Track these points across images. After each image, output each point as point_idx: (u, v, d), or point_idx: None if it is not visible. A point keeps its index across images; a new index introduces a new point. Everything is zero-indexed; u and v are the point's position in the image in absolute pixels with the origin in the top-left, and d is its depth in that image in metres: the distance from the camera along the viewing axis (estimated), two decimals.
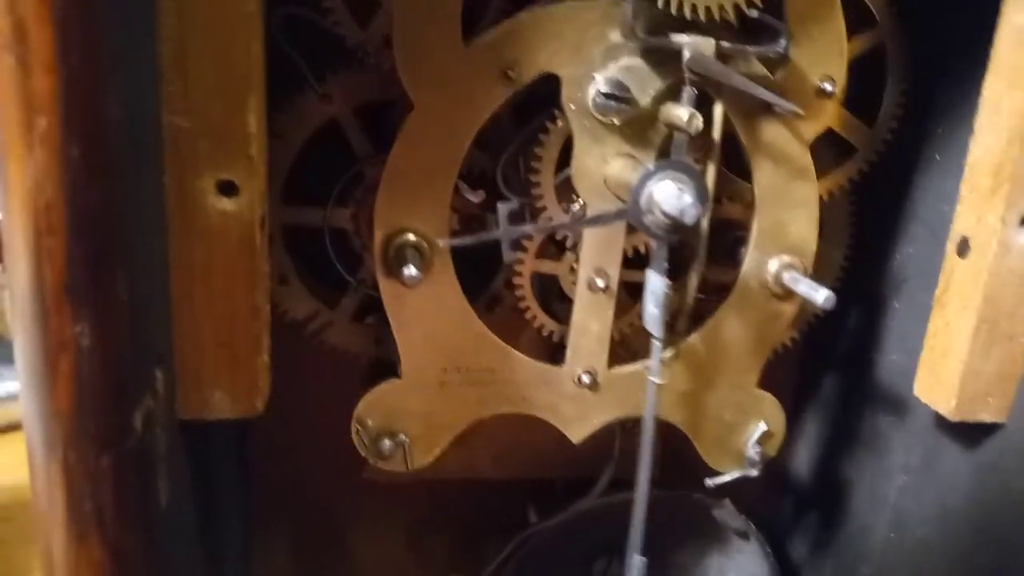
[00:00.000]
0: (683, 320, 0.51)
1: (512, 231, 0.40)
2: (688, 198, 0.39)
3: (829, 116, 0.50)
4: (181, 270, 0.38)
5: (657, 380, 0.47)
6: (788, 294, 0.50)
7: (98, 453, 0.32)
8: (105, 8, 0.30)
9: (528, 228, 0.41)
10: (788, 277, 0.49)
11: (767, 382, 0.56)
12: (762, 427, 0.53)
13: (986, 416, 0.50)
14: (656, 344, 0.47)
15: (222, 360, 0.40)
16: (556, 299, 0.54)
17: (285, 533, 0.63)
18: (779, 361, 0.62)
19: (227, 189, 0.38)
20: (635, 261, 0.51)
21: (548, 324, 0.52)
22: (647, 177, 0.41)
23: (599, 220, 0.44)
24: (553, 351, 0.54)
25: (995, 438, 0.51)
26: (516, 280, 0.51)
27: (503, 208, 0.40)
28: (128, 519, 0.34)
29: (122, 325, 0.33)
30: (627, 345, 0.54)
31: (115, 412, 0.32)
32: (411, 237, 0.45)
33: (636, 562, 0.50)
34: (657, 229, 0.41)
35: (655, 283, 0.46)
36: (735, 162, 0.51)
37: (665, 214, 0.39)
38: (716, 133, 0.46)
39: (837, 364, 0.66)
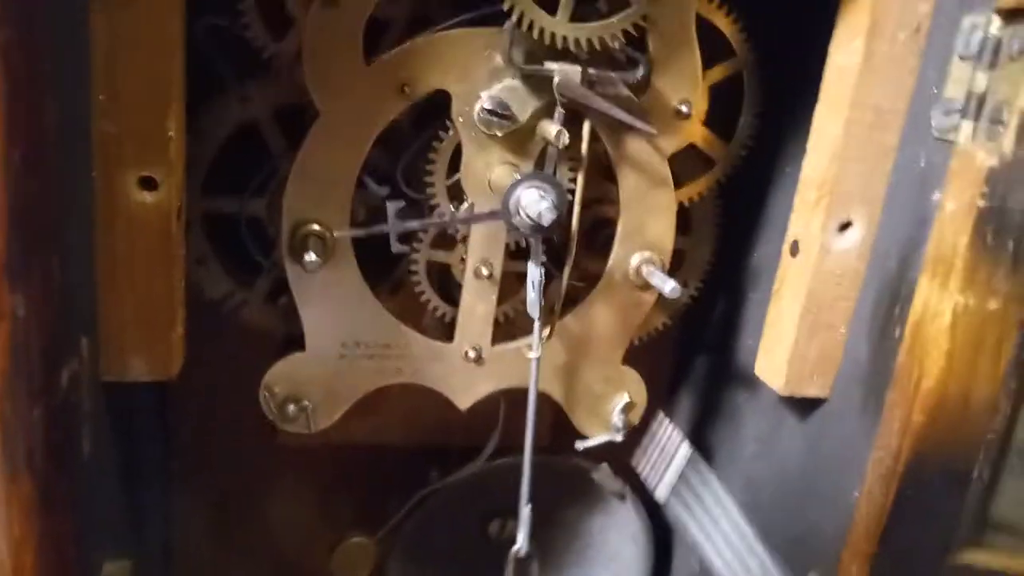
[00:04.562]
0: (559, 304, 0.58)
1: (399, 225, 0.47)
2: (546, 204, 0.46)
3: (687, 134, 0.58)
4: (106, 254, 0.44)
5: (535, 356, 0.54)
6: (647, 285, 0.58)
7: (30, 405, 0.38)
8: (43, 30, 0.36)
9: (413, 223, 0.48)
10: (645, 270, 0.57)
11: (648, 363, 0.64)
12: (625, 398, 0.61)
13: (812, 391, 0.59)
14: (537, 325, 0.54)
15: (141, 332, 0.46)
16: (455, 286, 0.61)
17: (204, 493, 0.69)
18: (656, 344, 0.70)
19: (147, 184, 0.44)
20: (522, 254, 0.58)
21: (441, 306, 0.59)
22: (516, 185, 0.48)
23: (474, 219, 0.51)
24: (451, 330, 0.61)
25: (820, 411, 0.60)
26: (413, 267, 0.57)
27: (391, 206, 0.46)
28: (55, 462, 0.40)
29: (52, 299, 0.39)
30: (514, 325, 0.62)
31: (44, 371, 0.38)
32: (315, 227, 0.51)
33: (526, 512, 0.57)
34: (523, 227, 0.48)
35: (533, 273, 0.54)
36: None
37: (528, 215, 0.47)
38: (584, 147, 0.53)
39: (705, 347, 0.75)
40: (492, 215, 0.49)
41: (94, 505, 0.46)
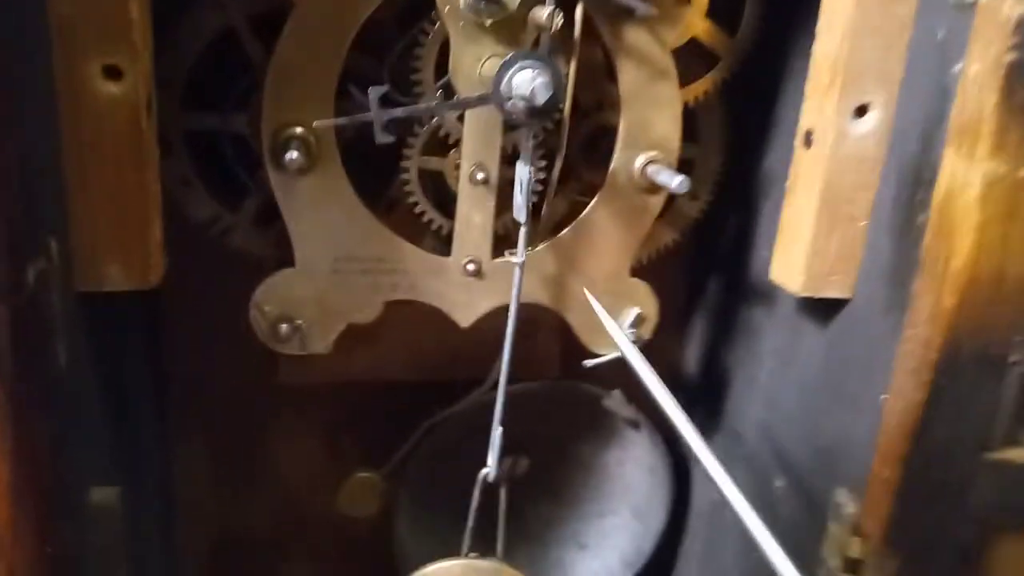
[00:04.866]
0: (549, 201, 0.55)
1: (382, 114, 0.44)
2: (540, 81, 0.43)
3: (689, 25, 0.55)
4: (72, 150, 0.41)
5: (518, 260, 0.51)
6: (654, 188, 0.55)
7: None
8: None
9: (397, 111, 0.45)
10: (651, 169, 0.54)
11: (660, 283, 0.61)
12: (636, 311, 0.58)
13: (832, 292, 0.56)
14: (523, 229, 0.51)
15: (115, 235, 0.43)
16: (452, 200, 0.58)
17: (203, 433, 0.67)
18: (668, 264, 0.67)
19: (112, 73, 0.41)
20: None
21: (436, 218, 0.56)
22: (506, 66, 0.45)
23: (463, 104, 0.48)
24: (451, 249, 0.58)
25: (842, 314, 0.57)
26: (405, 176, 0.54)
27: (373, 92, 0.43)
28: (25, 369, 0.37)
29: (12, 192, 0.36)
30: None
31: (8, 267, 0.36)
32: (297, 130, 0.48)
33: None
34: (515, 112, 0.45)
35: (522, 172, 0.50)
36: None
37: (520, 96, 0.44)
38: (576, 31, 0.50)
39: (719, 264, 0.72)
40: (482, 99, 0.45)
41: (75, 423, 0.43)
